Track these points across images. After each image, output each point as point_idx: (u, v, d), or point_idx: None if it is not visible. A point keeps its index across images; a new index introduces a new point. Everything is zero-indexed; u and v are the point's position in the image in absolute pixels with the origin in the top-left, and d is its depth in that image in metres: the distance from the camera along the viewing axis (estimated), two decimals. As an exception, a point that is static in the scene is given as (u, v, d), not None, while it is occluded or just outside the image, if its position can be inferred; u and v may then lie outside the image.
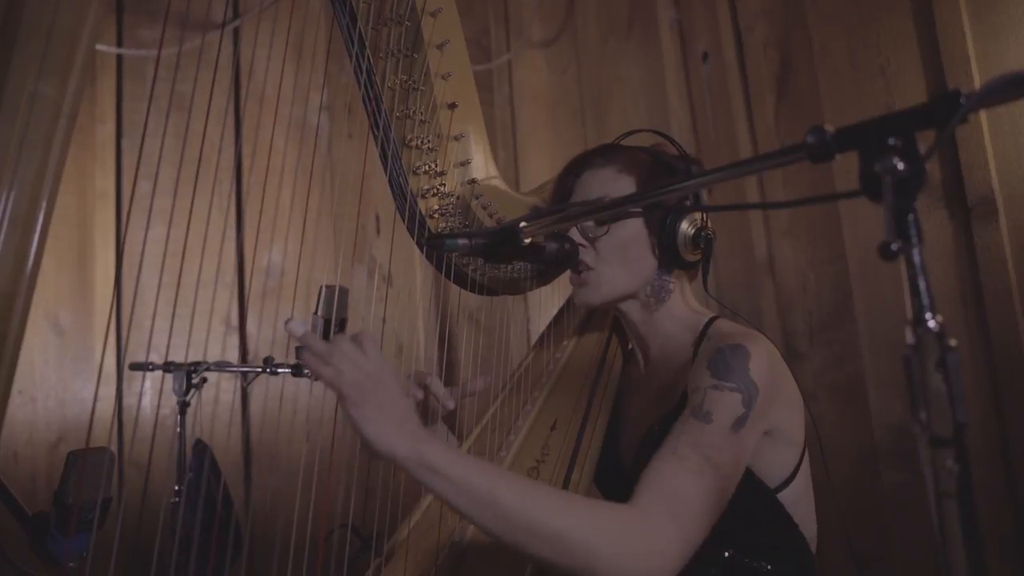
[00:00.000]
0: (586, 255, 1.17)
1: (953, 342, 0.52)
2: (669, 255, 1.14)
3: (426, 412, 1.24)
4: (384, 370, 0.85)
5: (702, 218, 1.14)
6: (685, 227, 1.13)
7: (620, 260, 1.16)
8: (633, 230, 1.15)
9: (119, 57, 2.24)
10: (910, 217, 0.54)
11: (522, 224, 0.95)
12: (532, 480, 0.89)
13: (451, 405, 1.23)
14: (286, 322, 0.87)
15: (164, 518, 1.31)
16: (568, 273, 1.38)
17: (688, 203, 1.15)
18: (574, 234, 1.16)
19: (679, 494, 0.89)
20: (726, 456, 0.93)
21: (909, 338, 0.53)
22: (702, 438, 0.94)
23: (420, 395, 1.23)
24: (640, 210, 1.11)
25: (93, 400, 2.03)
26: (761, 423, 1.00)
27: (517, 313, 2.33)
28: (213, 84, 1.92)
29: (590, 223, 1.15)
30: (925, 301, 0.53)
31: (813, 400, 1.93)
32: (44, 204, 0.55)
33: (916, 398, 0.53)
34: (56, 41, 0.54)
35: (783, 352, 2.03)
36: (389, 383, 0.85)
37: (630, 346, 1.34)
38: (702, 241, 1.14)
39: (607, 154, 1.21)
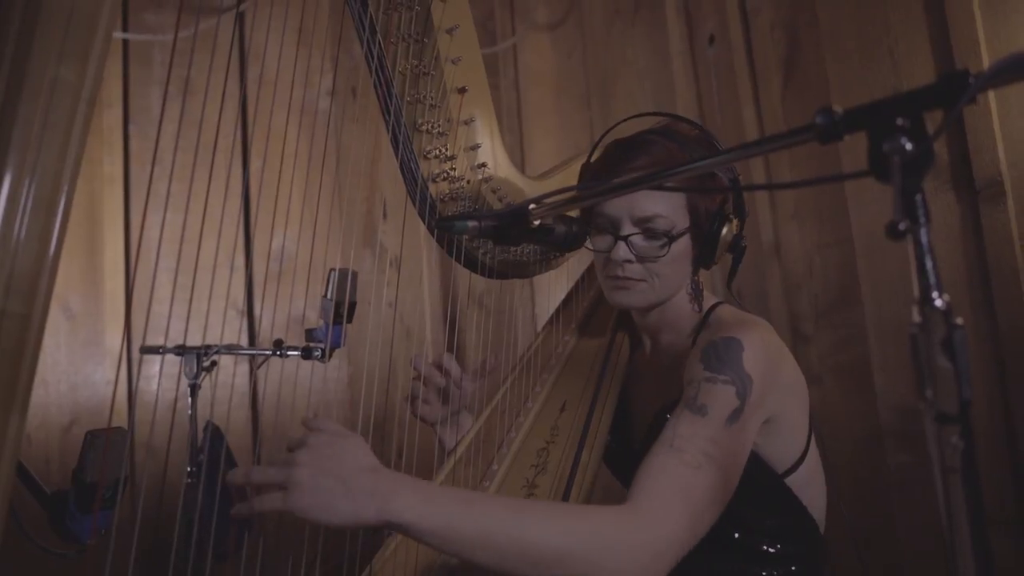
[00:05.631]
0: (632, 270, 1.13)
1: (960, 320, 0.52)
2: (708, 262, 1.16)
3: (446, 397, 1.26)
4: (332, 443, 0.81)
5: (739, 226, 1.16)
6: (724, 233, 1.14)
7: (672, 273, 1.14)
8: (685, 244, 1.14)
9: (125, 42, 2.24)
10: (918, 197, 0.55)
11: (531, 206, 0.96)
12: (519, 500, 0.85)
13: (469, 388, 1.26)
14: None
15: (180, 498, 1.34)
16: (575, 257, 1.38)
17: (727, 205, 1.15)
18: (622, 249, 1.12)
19: (678, 491, 0.87)
20: (723, 449, 0.92)
21: (916, 317, 0.53)
22: (699, 431, 0.92)
23: (441, 381, 1.25)
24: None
25: (114, 384, 2.05)
26: (759, 413, 1.00)
27: (524, 297, 2.34)
28: (213, 68, 1.91)
29: (644, 243, 1.12)
30: (932, 280, 0.53)
31: (819, 382, 1.94)
32: (66, 187, 0.56)
33: (922, 376, 0.53)
34: (75, 25, 0.55)
35: (789, 335, 2.06)
36: (335, 451, 0.80)
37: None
38: (736, 249, 1.16)
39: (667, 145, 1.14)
